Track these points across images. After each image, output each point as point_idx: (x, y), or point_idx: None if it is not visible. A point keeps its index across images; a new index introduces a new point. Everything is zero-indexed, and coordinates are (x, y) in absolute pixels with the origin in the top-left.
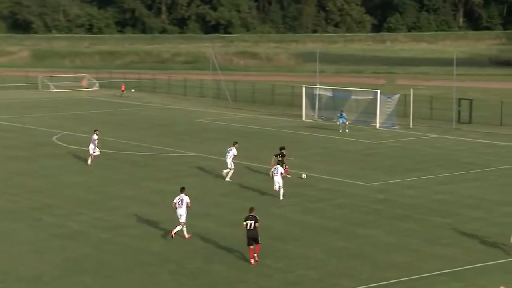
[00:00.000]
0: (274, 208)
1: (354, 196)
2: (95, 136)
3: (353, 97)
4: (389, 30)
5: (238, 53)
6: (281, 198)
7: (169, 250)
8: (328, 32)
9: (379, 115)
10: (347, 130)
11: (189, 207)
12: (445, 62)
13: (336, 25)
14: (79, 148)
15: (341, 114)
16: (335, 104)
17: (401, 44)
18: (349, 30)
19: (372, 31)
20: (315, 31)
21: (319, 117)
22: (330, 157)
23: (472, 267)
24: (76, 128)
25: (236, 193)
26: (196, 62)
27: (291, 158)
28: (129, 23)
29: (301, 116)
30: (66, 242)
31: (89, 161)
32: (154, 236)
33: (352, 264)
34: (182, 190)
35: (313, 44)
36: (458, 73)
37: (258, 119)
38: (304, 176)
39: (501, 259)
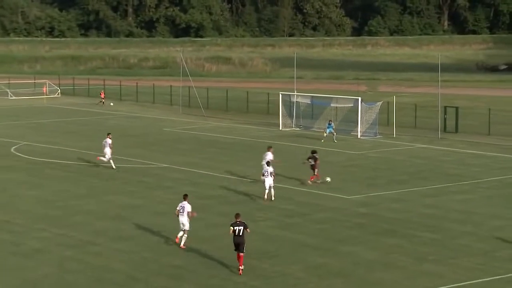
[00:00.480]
0: (250, 223)
1: (335, 210)
2: (109, 140)
3: (332, 105)
4: (370, 33)
5: (210, 58)
6: (273, 198)
7: (136, 268)
8: (306, 36)
9: (361, 124)
10: (335, 141)
11: (190, 216)
12: (430, 68)
13: (314, 28)
14: (39, 159)
15: (329, 124)
16: (313, 112)
17: (383, 49)
18: (328, 33)
19: (353, 35)
20: (292, 35)
21: (297, 126)
22: (309, 169)
23: (460, 285)
24: (36, 138)
25: (208, 208)
26: (165, 68)
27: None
28: (93, 25)
29: (277, 125)
30: (24, 261)
31: (113, 165)
32: (120, 254)
33: (334, 282)
34: (185, 197)
35: (290, 48)
36: (444, 80)
37: (232, 128)
38: (328, 179)
39: (490, 277)
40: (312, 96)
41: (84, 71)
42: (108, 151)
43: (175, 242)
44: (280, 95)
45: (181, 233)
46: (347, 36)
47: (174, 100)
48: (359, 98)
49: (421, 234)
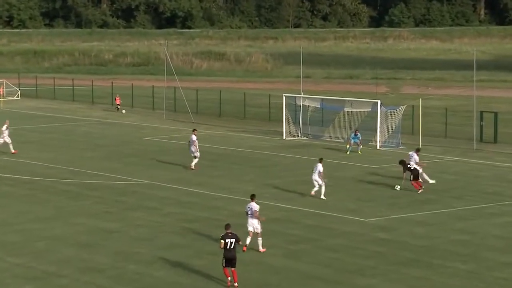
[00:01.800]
0: (247, 251)
1: (349, 235)
2: (194, 137)
3: (346, 109)
4: (392, 24)
5: (200, 53)
6: (323, 197)
7: None
8: (314, 27)
9: (380, 132)
10: (360, 152)
11: (258, 218)
12: (463, 65)
13: (324, 18)
14: None
15: (356, 134)
16: (324, 118)
17: (407, 43)
18: (341, 24)
19: (370, 26)
20: (298, 26)
21: (304, 134)
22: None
23: None
24: None
25: (198, 233)
26: (146, 65)
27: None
28: (59, 14)
29: (280, 133)
30: None
31: (192, 164)
32: (89, 286)
33: None
34: (252, 197)
35: (295, 42)
36: (480, 79)
37: (226, 137)
38: (398, 188)
39: None
40: (322, 99)
41: (49, 69)
42: (193, 149)
43: (243, 251)
44: (284, 98)
45: (248, 240)
46: (364, 27)
47: (157, 104)
48: (378, 102)
49: (452, 265)
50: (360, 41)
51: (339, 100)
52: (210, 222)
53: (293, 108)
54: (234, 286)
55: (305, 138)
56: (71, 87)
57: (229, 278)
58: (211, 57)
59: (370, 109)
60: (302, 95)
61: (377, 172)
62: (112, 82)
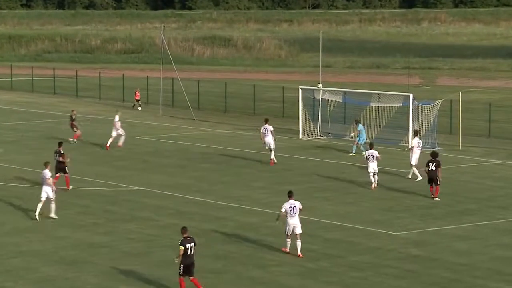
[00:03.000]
0: (256, 269)
1: (376, 251)
2: (270, 127)
3: (373, 104)
4: (427, 5)
5: (203, 38)
6: (374, 185)
7: None
8: (336, 8)
9: (413, 131)
10: (353, 153)
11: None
12: (510, 53)
13: None
14: None
15: (356, 122)
16: (346, 115)
17: (444, 26)
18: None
19: (402, 7)
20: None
21: (323, 133)
22: (341, 193)
23: None
24: None
25: (200, 249)
26: (139, 52)
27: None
28: None
29: (296, 132)
30: None
31: (272, 157)
32: None
33: None
34: (291, 195)
35: (313, 25)
36: None
37: (233, 136)
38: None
39: None
40: (345, 92)
41: (27, 57)
42: (269, 140)
43: (285, 252)
44: (300, 91)
45: (289, 242)
46: (394, 8)
47: (151, 97)
48: (411, 95)
49: (496, 286)
50: (389, 25)
51: (365, 93)
52: (213, 236)
53: (311, 103)
54: None
55: (324, 137)
56: (52, 78)
57: None
58: (215, 43)
59: (401, 104)
60: (321, 88)
61: (409, 178)
62: (99, 72)
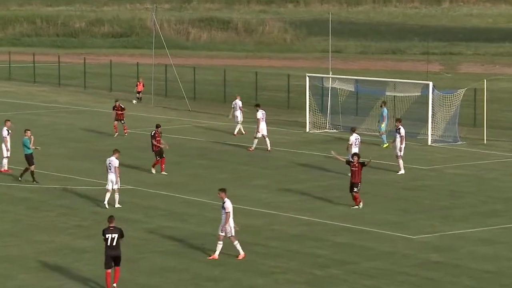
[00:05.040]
0: (258, 277)
1: (391, 256)
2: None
3: (388, 93)
4: None
5: (199, 20)
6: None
7: None
8: None
9: (433, 124)
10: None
11: None
12: None
13: None
14: None
15: (382, 108)
16: (359, 105)
17: (468, 7)
18: None
19: None
20: None
21: (333, 126)
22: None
23: None
24: None
25: (191, 252)
26: (129, 36)
27: None
28: None
29: (303, 124)
30: None
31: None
32: None
33: None
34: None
35: (322, 6)
36: None
37: (232, 129)
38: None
39: None
40: (357, 80)
41: (3, 41)
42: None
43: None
44: (307, 79)
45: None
46: None
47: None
48: (430, 84)
49: None
50: (406, 5)
51: (379, 81)
52: (211, 239)
53: (319, 92)
54: (113, 286)
55: (334, 130)
56: (32, 65)
57: None
58: (212, 26)
59: (420, 93)
60: (331, 75)
61: (427, 175)
62: (84, 58)
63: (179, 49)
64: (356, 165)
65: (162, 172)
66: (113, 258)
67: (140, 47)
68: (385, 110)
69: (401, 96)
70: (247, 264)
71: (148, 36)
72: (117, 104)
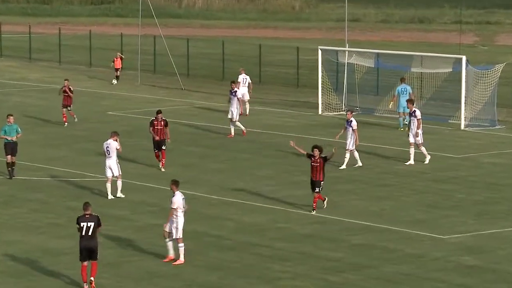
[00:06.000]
0: (262, 284)
1: (417, 259)
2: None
3: (414, 70)
4: None
5: None
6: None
7: None
8: None
9: (466, 105)
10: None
11: None
12: None
13: None
14: None
15: (403, 88)
16: (379, 83)
17: None
18: None
19: None
20: None
21: (350, 107)
22: (372, 184)
23: None
24: None
25: (189, 258)
26: (111, 2)
27: None
28: None
29: (315, 105)
30: None
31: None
32: None
33: None
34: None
35: None
36: None
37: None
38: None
39: None
40: (378, 54)
41: None
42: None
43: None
44: (320, 52)
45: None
46: None
47: (127, 61)
48: (463, 58)
49: None
50: None
51: (403, 55)
52: (206, 240)
53: (334, 68)
54: (90, 280)
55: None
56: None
57: (86, 285)
58: None
59: (451, 70)
60: (347, 48)
61: (460, 164)
62: (59, 29)
63: (170, 18)
64: (318, 160)
65: (161, 169)
66: (88, 250)
67: (124, 15)
68: (407, 87)
69: (429, 72)
70: (249, 268)
71: (133, 2)
72: (66, 85)
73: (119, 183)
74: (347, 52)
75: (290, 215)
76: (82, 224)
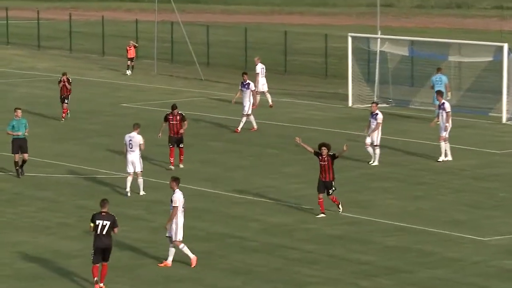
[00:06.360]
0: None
1: (456, 263)
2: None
3: (452, 58)
4: None
5: None
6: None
7: None
8: None
9: (508, 97)
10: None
11: None
12: None
13: None
14: None
15: (437, 78)
16: (414, 73)
17: None
18: None
19: None
20: None
21: (382, 99)
22: (407, 182)
23: None
24: None
25: (205, 257)
26: None
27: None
28: None
29: (344, 97)
30: None
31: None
32: None
33: None
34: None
35: None
36: None
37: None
38: None
39: None
40: (412, 41)
41: None
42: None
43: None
44: (350, 40)
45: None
46: None
47: (143, 49)
48: (505, 46)
49: None
50: None
51: (440, 43)
52: (229, 242)
53: (365, 57)
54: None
55: (384, 105)
56: (4, 22)
57: (96, 279)
58: None
59: (492, 58)
60: (379, 36)
61: (502, 161)
62: (70, 14)
63: (189, 3)
64: (326, 158)
65: (180, 165)
66: (103, 250)
67: (140, 0)
68: (443, 77)
69: (468, 61)
70: (276, 272)
71: None
72: (64, 79)
73: (140, 181)
74: (379, 39)
75: (319, 215)
76: (97, 222)
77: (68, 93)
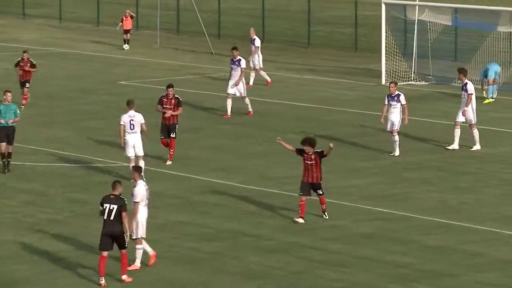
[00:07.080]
0: None
1: (507, 265)
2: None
3: (501, 29)
4: None
5: None
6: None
7: None
8: None
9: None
10: (490, 99)
11: None
12: None
13: None
14: None
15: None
16: (458, 46)
17: None
18: None
19: None
20: None
21: (421, 76)
22: (450, 172)
23: None
24: None
25: (215, 258)
26: None
27: None
28: None
29: (377, 74)
30: None
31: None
32: None
33: None
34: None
35: None
36: None
37: (273, 81)
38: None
39: None
40: (456, 9)
41: None
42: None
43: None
44: (383, 7)
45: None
46: None
47: (144, 19)
48: None
49: None
50: None
51: (488, 11)
52: (243, 240)
53: (401, 28)
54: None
55: (423, 83)
56: None
57: (103, 279)
58: None
59: None
60: (417, 2)
61: None
62: None
63: None
64: (313, 157)
65: (168, 161)
66: (110, 237)
67: None
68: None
69: None
70: (296, 276)
71: None
72: (24, 58)
73: (142, 163)
74: (417, 6)
75: (346, 210)
76: (105, 205)
77: (30, 76)
